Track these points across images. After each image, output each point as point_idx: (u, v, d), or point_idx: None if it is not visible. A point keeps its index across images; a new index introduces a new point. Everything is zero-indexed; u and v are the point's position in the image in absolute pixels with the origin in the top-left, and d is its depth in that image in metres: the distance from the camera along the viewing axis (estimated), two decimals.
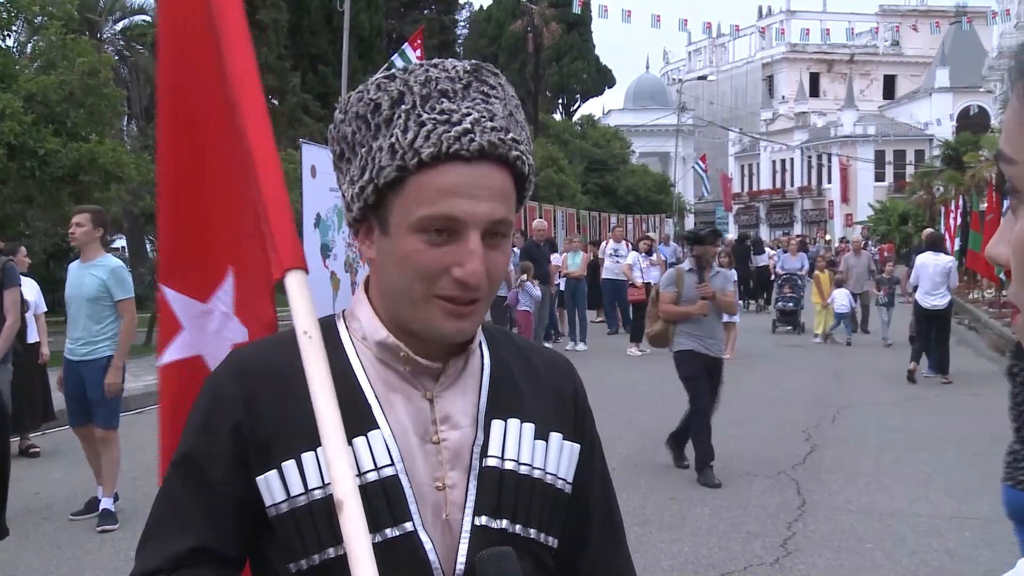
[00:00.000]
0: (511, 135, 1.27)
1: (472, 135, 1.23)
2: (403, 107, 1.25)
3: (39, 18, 16.21)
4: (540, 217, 25.57)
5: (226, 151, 1.82)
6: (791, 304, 20.39)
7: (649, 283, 17.89)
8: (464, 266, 1.24)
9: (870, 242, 35.67)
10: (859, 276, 19.05)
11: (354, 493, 1.22)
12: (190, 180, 1.97)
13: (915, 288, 13.32)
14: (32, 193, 15.45)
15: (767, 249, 27.25)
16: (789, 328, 20.28)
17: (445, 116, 1.24)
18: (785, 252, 22.62)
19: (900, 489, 7.62)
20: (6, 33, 16.03)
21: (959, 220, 25.61)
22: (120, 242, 34.48)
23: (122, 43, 32.77)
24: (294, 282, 1.43)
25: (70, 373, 6.95)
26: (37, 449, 8.96)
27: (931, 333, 13.12)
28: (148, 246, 28.72)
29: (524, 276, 15.30)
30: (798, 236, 34.37)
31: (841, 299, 18.42)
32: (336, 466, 1.23)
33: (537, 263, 16.14)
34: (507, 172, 1.28)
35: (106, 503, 6.80)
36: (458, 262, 1.25)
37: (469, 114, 1.24)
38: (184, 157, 1.98)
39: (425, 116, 1.24)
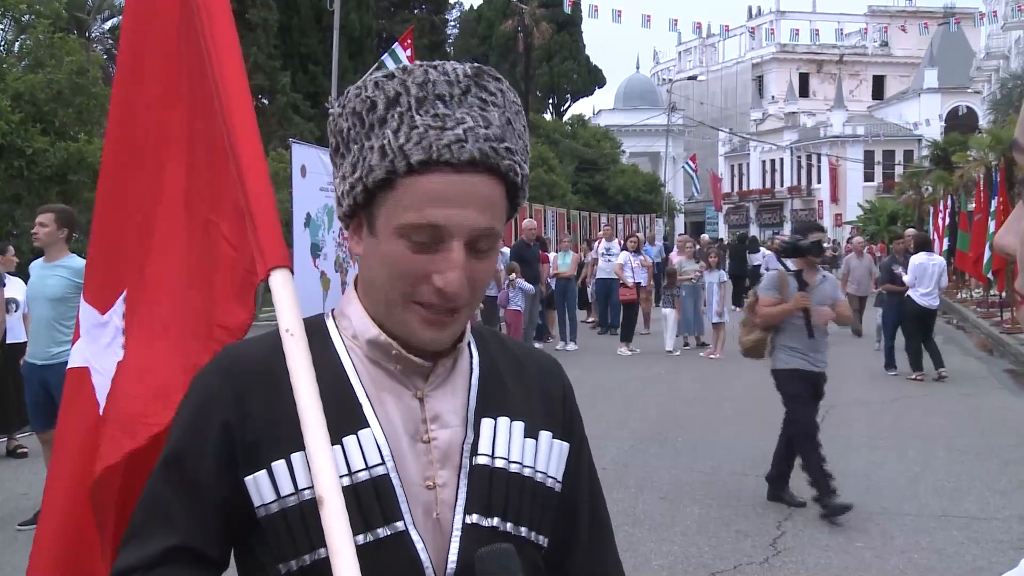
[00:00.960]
0: (505, 144, 1.26)
1: (463, 143, 1.22)
2: (398, 108, 1.24)
3: (26, 16, 16.15)
4: (530, 217, 25.58)
5: (166, 166, 1.81)
6: None
7: (639, 283, 17.89)
8: (444, 275, 1.24)
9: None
10: (861, 279, 18.45)
11: (335, 488, 1.22)
12: (113, 193, 1.96)
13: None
14: (20, 192, 15.40)
15: (762, 249, 27.21)
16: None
17: (439, 121, 1.22)
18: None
19: (889, 488, 7.64)
20: None
21: (947, 220, 25.70)
22: None
23: (111, 42, 32.73)
24: (278, 281, 1.44)
25: (32, 378, 6.73)
26: (24, 449, 8.92)
27: (921, 331, 13.22)
28: None
29: (513, 275, 15.30)
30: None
31: None
32: (317, 462, 1.23)
33: (527, 263, 16.12)
34: (498, 182, 1.26)
35: None
36: (439, 270, 1.24)
37: (463, 121, 1.23)
38: (112, 171, 1.98)
39: (418, 120, 1.23)
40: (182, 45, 1.79)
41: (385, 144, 1.23)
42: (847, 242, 36.54)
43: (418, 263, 1.24)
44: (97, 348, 1.94)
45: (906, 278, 13.27)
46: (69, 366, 2.00)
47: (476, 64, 1.30)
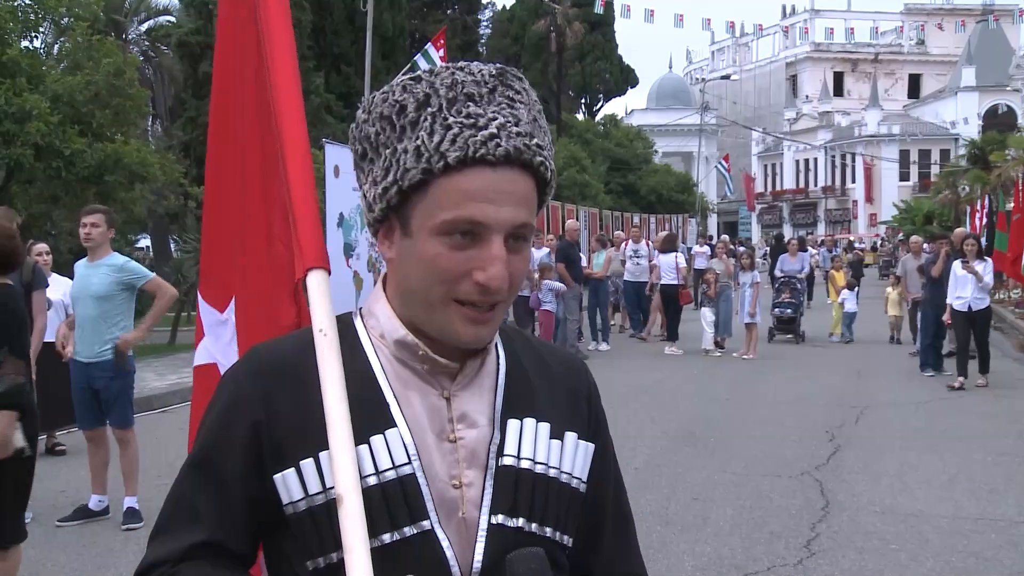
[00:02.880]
0: (535, 140, 1.28)
1: (498, 140, 1.24)
2: (429, 110, 1.26)
3: (65, 19, 16.34)
4: (563, 216, 25.58)
5: (253, 163, 1.86)
6: (789, 311, 18.36)
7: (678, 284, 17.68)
8: (486, 270, 1.24)
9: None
10: (917, 280, 16.60)
11: (355, 488, 1.23)
12: (222, 191, 2.04)
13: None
14: (58, 193, 15.58)
15: (809, 248, 26.47)
16: (788, 337, 18.50)
17: (472, 120, 1.24)
18: (825, 249, 21.85)
19: (924, 490, 7.57)
20: (33, 34, 16.17)
21: (985, 220, 25.41)
22: (144, 242, 34.75)
23: (147, 44, 33.08)
24: (314, 281, 1.46)
25: (79, 375, 6.87)
26: (63, 447, 9.03)
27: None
28: (172, 245, 28.88)
29: (538, 275, 15.34)
30: (826, 236, 33.86)
31: (851, 300, 18.50)
32: (339, 461, 1.25)
33: (573, 264, 16.12)
34: (530, 177, 1.28)
35: (130, 501, 6.83)
36: (480, 267, 1.25)
37: (495, 119, 1.25)
38: (219, 169, 2.06)
39: (452, 119, 1.24)
40: (250, 48, 1.84)
41: (420, 145, 1.25)
42: (900, 241, 34.93)
43: (458, 261, 1.25)
44: (221, 345, 2.03)
45: (988, 279, 12.78)
46: (197, 363, 2.09)
47: (499, 65, 1.32)
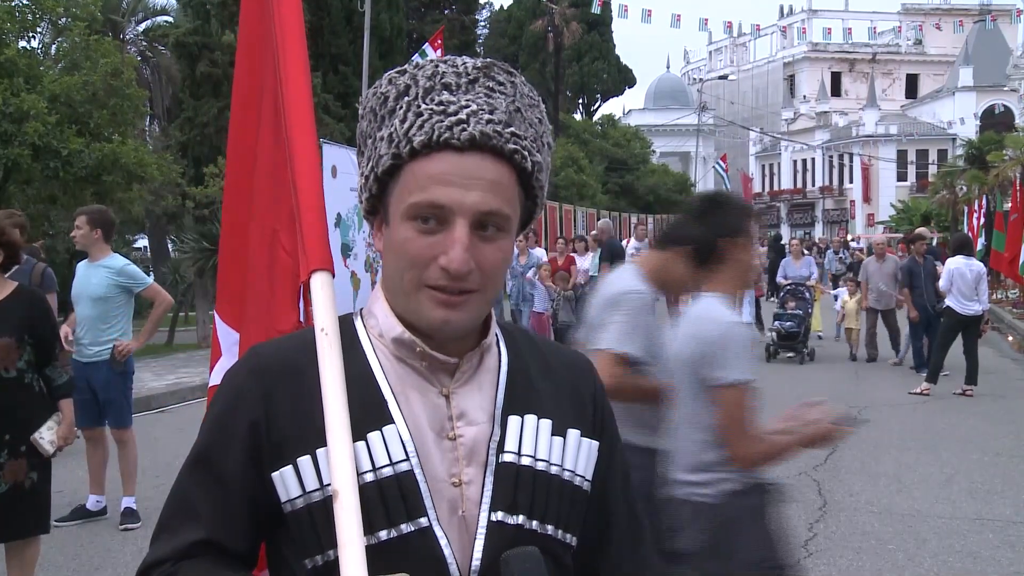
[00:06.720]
0: (511, 129, 1.27)
1: (465, 125, 1.25)
2: (406, 99, 1.28)
3: (63, 19, 16.32)
4: (561, 216, 25.58)
5: (266, 172, 1.87)
6: (793, 324, 15.61)
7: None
8: (448, 254, 1.25)
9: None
10: (881, 292, 15.00)
11: (351, 483, 1.23)
12: (239, 211, 2.05)
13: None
14: (55, 193, 15.56)
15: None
16: (790, 355, 15.79)
17: (442, 107, 1.26)
18: (837, 251, 21.12)
19: (921, 490, 7.58)
20: (31, 35, 16.14)
21: (982, 220, 25.42)
22: (142, 242, 34.69)
23: (144, 44, 33.03)
24: (318, 282, 1.47)
25: (77, 375, 6.84)
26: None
27: (952, 341, 12.29)
28: (170, 246, 28.84)
29: (532, 271, 15.37)
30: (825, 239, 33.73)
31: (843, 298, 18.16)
32: (335, 456, 1.25)
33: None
34: (505, 165, 1.28)
35: (128, 502, 6.83)
36: (444, 251, 1.26)
37: (467, 106, 1.26)
38: (235, 186, 2.06)
39: (424, 107, 1.27)
40: (264, 51, 1.86)
41: (392, 131, 1.28)
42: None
43: (425, 245, 1.27)
44: None
45: (940, 283, 12.38)
46: (214, 384, 2.10)
47: (489, 60, 1.33)
